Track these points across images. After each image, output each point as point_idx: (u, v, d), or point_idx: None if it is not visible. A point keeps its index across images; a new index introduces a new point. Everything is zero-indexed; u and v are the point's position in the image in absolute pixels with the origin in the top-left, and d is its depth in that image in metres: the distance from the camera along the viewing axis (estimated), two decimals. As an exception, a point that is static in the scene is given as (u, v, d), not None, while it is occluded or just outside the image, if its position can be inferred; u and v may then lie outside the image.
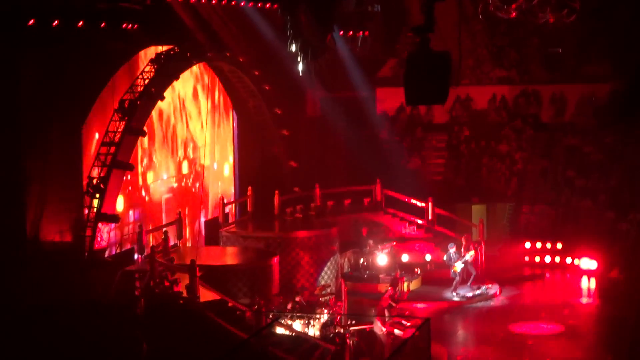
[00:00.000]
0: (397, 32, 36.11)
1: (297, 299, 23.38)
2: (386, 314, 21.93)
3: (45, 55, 21.13)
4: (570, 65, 34.79)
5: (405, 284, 26.56)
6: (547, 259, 30.67)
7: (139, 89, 23.96)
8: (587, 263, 29.49)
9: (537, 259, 30.82)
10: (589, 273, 29.28)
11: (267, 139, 32.40)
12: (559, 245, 30.75)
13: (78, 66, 21.76)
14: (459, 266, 26.48)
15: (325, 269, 26.44)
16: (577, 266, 29.81)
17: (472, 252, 26.91)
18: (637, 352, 21.63)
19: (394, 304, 22.36)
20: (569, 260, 30.23)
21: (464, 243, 27.17)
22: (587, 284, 28.70)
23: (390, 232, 30.56)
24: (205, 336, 19.65)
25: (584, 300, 27.46)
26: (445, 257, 26.98)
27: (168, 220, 26.57)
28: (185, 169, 28.58)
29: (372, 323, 21.66)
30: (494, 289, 27.39)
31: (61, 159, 21.94)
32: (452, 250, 26.66)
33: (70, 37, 21.69)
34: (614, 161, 32.78)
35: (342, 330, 20.84)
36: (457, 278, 26.56)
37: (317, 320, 21.51)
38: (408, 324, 21.51)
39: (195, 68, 28.64)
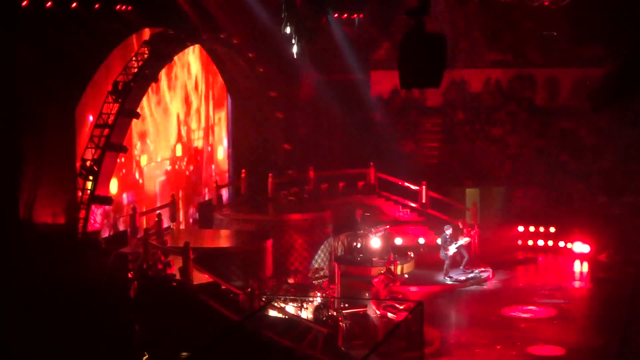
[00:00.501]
0: (392, 15, 35.99)
1: (290, 280, 23.42)
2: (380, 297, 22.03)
3: (40, 37, 21.05)
4: (565, 48, 34.74)
5: (399, 268, 26.64)
6: (540, 242, 30.77)
7: (132, 71, 23.86)
8: (580, 247, 29.58)
9: (530, 242, 30.92)
10: (582, 257, 29.38)
11: (262, 122, 32.36)
12: (552, 229, 30.84)
13: (72, 48, 21.68)
14: (452, 250, 26.52)
15: (319, 251, 26.48)
16: (570, 250, 29.91)
17: (467, 239, 26.94)
18: (629, 336, 21.73)
19: (381, 291, 22.42)
20: (561, 243, 30.33)
21: (461, 227, 27.24)
22: (580, 267, 28.79)
23: (383, 215, 30.58)
24: (198, 319, 19.66)
25: (577, 283, 27.55)
26: (440, 239, 26.99)
27: (162, 203, 26.56)
28: (179, 151, 28.54)
29: (365, 306, 21.73)
30: (486, 272, 27.46)
31: (55, 141, 21.88)
32: (449, 232, 26.67)
33: (64, 18, 21.59)
34: (608, 144, 32.83)
35: (335, 313, 20.89)
36: (448, 261, 26.61)
37: (310, 303, 21.55)
38: (401, 307, 21.59)
39: (189, 50, 28.55)
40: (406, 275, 25.88)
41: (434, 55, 15.04)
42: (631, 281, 26.34)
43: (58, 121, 21.85)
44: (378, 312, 21.36)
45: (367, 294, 23.09)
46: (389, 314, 21.41)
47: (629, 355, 20.69)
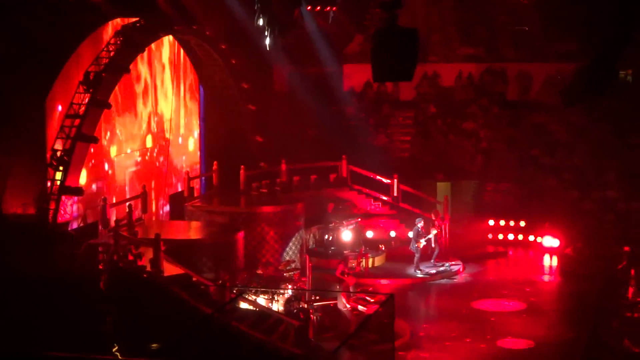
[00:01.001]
0: (366, 8, 36.01)
1: (259, 271, 23.41)
2: (350, 289, 22.05)
3: (11, 24, 20.85)
4: (538, 43, 34.91)
5: (370, 261, 26.73)
6: (511, 236, 30.92)
7: (104, 61, 23.70)
8: (550, 241, 29.75)
9: (501, 236, 31.05)
10: (551, 251, 29.55)
11: (234, 114, 32.25)
12: (522, 223, 30.98)
13: (43, 36, 21.49)
14: (422, 243, 26.60)
15: (290, 244, 26.45)
16: (540, 244, 30.07)
17: (434, 232, 27.02)
18: (597, 329, 21.89)
19: (343, 278, 22.45)
20: (531, 238, 30.49)
21: (433, 218, 27.34)
22: (549, 261, 28.97)
23: (355, 208, 30.61)
24: (169, 310, 19.59)
25: (546, 277, 27.73)
26: (411, 232, 27.03)
27: (132, 194, 26.42)
28: (149, 142, 28.39)
29: (336, 299, 21.75)
30: (457, 265, 27.56)
31: (25, 130, 21.71)
32: (420, 224, 26.74)
33: (35, 6, 21.41)
34: (579, 139, 33.01)
35: (306, 306, 20.90)
36: (418, 254, 26.69)
37: (281, 295, 21.55)
38: (372, 300, 21.63)
39: (161, 41, 28.39)
40: (364, 266, 25.97)
41: (406, 48, 15.09)
42: (600, 275, 26.52)
43: (28, 110, 21.67)
44: (348, 305, 21.40)
45: (338, 287, 23.10)
46: (360, 307, 21.44)
47: (597, 349, 20.85)
